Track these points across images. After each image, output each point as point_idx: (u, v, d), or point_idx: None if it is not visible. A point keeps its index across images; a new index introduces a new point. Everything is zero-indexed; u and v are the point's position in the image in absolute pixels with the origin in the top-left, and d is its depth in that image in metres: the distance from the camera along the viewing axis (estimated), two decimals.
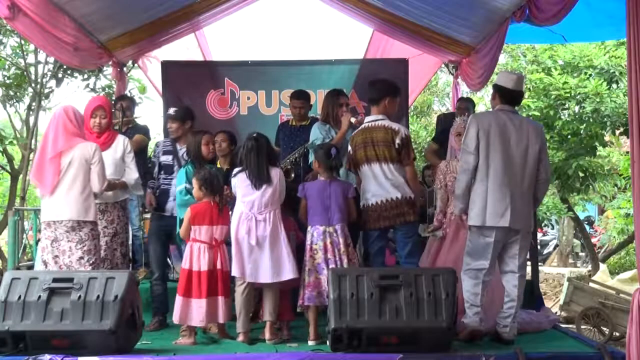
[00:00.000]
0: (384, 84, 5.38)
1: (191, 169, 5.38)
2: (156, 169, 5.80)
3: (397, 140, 5.00)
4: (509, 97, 4.89)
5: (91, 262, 4.86)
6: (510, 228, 4.69)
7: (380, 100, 5.21)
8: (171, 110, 6.01)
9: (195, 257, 4.91)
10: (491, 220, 4.68)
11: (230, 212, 5.10)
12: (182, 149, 5.78)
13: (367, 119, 5.27)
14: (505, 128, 4.75)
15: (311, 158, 5.66)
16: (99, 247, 5.02)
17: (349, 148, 5.30)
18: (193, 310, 4.85)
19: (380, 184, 5.03)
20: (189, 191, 5.29)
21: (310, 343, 4.77)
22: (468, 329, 4.65)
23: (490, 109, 5.20)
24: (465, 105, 7.44)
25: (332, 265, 4.80)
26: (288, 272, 4.84)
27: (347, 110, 5.78)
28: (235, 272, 4.86)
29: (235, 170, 5.04)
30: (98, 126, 5.36)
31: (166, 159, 5.79)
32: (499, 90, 4.94)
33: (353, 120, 5.61)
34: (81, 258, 4.84)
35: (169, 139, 5.99)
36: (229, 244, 5.00)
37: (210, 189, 5.00)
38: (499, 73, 5.20)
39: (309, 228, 4.98)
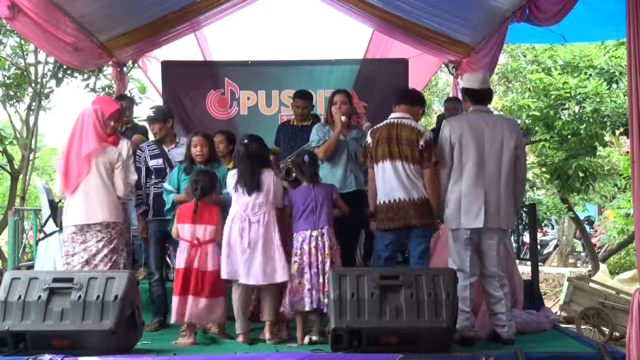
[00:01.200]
0: (423, 97, 5.35)
1: (176, 170, 5.39)
2: (143, 174, 5.65)
3: (421, 142, 4.86)
4: (477, 97, 4.90)
5: (113, 259, 5.05)
6: (487, 228, 4.70)
7: (414, 104, 5.11)
8: (150, 112, 5.79)
9: (178, 254, 4.95)
10: (466, 222, 4.72)
11: (219, 213, 5.05)
12: (169, 150, 5.74)
13: (393, 115, 5.08)
14: (478, 129, 4.76)
15: None
16: (125, 246, 5.20)
17: (369, 140, 5.08)
18: (173, 308, 4.87)
19: (400, 182, 4.89)
20: (165, 189, 5.36)
21: (305, 341, 4.75)
22: (457, 333, 4.62)
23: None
24: (454, 105, 7.29)
25: (314, 269, 4.78)
26: (280, 275, 4.80)
27: (339, 108, 5.63)
28: (224, 274, 4.83)
29: (232, 171, 5.03)
30: (112, 129, 5.37)
31: (156, 162, 5.69)
32: (466, 92, 4.95)
33: (343, 118, 5.57)
34: (105, 256, 5.02)
35: (153, 142, 5.83)
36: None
37: (195, 191, 4.96)
38: (463, 75, 5.15)
39: (294, 234, 4.93)
